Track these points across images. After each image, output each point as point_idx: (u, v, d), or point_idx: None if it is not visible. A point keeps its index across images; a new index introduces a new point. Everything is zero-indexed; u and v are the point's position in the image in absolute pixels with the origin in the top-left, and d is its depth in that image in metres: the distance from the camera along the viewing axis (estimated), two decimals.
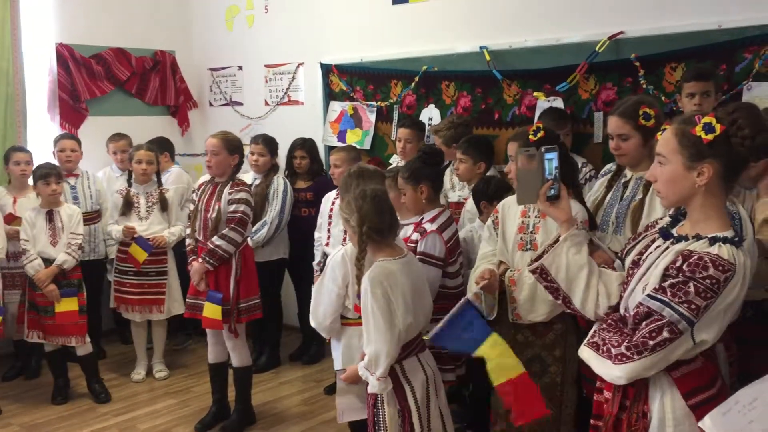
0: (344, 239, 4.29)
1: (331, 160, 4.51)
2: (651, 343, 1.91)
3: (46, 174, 4.59)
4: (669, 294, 1.92)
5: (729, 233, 1.98)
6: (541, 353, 3.09)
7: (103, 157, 5.79)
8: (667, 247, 2.05)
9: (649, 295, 1.97)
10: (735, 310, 1.99)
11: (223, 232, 4.12)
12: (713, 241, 1.95)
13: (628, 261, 2.21)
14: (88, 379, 4.84)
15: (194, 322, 5.78)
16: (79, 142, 5.33)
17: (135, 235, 4.89)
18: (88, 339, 4.71)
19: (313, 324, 3.15)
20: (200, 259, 4.14)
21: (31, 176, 4.84)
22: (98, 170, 5.69)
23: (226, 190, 4.18)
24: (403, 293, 2.74)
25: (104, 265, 5.55)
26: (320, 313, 3.08)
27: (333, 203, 4.54)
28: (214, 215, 4.14)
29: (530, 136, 2.96)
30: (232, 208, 4.14)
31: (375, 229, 2.78)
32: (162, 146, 5.65)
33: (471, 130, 4.57)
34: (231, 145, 4.21)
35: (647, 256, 2.10)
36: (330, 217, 4.56)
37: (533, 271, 2.31)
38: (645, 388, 2.03)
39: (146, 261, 4.91)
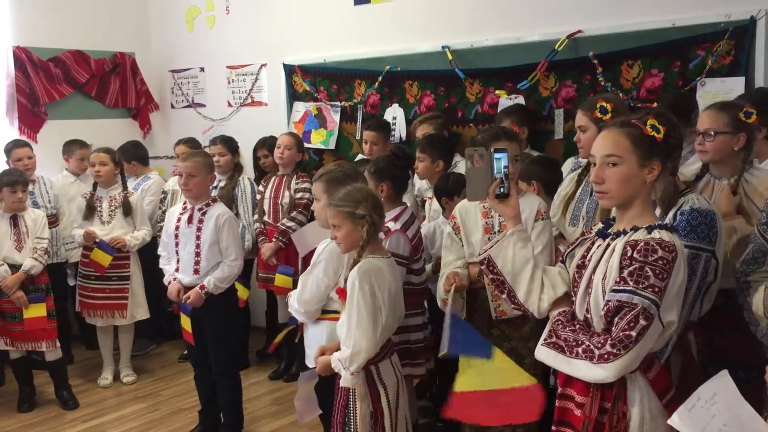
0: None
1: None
2: (633, 334, 1.97)
3: (13, 182, 4.54)
4: (632, 283, 2.00)
5: (660, 221, 2.14)
6: (517, 346, 3.13)
7: (63, 162, 5.70)
8: (608, 245, 2.15)
9: (613, 290, 2.04)
10: (706, 295, 2.08)
11: (291, 214, 4.91)
12: (650, 229, 2.08)
13: (572, 266, 2.28)
14: (57, 386, 4.78)
15: (159, 328, 5.83)
16: (31, 148, 5.28)
17: (96, 240, 4.84)
18: (58, 344, 4.66)
19: (294, 306, 3.14)
20: (274, 239, 4.91)
21: None
22: (58, 174, 5.62)
23: (294, 180, 4.96)
24: (389, 292, 2.77)
25: (65, 270, 5.49)
26: (305, 299, 3.09)
27: (179, 220, 3.98)
28: (285, 201, 4.93)
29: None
30: (298, 195, 4.92)
31: (380, 216, 2.83)
32: (126, 154, 5.56)
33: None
34: (300, 144, 5.10)
35: (591, 257, 2.19)
36: (177, 236, 3.98)
37: (481, 263, 2.37)
38: (624, 390, 2.08)
39: (109, 265, 4.86)
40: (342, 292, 2.81)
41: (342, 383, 2.82)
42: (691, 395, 1.96)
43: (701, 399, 1.91)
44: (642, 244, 2.03)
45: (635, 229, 2.10)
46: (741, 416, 1.85)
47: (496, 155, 2.34)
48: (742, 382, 2.56)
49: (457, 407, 2.57)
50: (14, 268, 4.53)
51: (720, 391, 1.90)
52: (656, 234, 2.05)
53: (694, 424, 1.88)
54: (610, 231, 2.21)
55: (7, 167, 5.03)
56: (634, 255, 2.02)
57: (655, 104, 3.91)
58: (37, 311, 4.54)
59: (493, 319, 3.14)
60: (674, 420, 1.93)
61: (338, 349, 2.84)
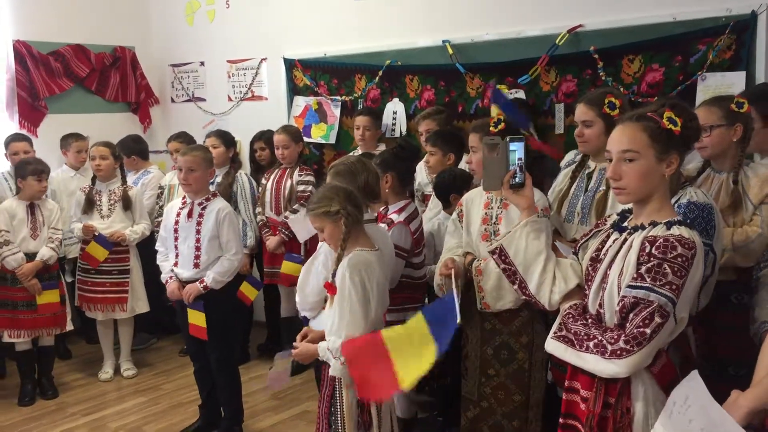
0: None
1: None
2: (648, 331, 1.95)
3: (39, 171, 4.63)
4: (649, 279, 1.98)
5: (679, 217, 2.10)
6: (508, 340, 3.12)
7: (62, 156, 5.70)
8: (625, 239, 2.12)
9: (630, 286, 2.02)
10: (703, 289, 2.08)
11: (294, 207, 4.91)
12: (669, 225, 2.05)
13: (585, 258, 2.26)
14: (41, 373, 4.83)
15: (160, 322, 5.82)
16: (30, 142, 5.29)
17: (95, 234, 4.84)
18: (70, 326, 4.81)
19: (297, 300, 3.15)
20: (278, 232, 4.94)
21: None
22: (57, 169, 5.60)
23: (296, 173, 4.99)
24: (378, 284, 2.78)
25: (63, 266, 5.48)
26: (306, 292, 3.09)
27: (178, 214, 3.97)
28: (286, 193, 4.97)
29: (491, 128, 3.01)
30: (301, 188, 4.95)
31: (356, 207, 2.82)
32: (126, 148, 5.54)
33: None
34: (297, 137, 5.06)
35: (607, 250, 2.16)
36: (176, 231, 3.96)
37: (492, 252, 2.36)
38: (627, 385, 2.06)
39: (108, 259, 4.87)
40: (330, 286, 2.81)
41: (331, 372, 2.82)
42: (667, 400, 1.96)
43: (676, 403, 1.90)
44: (661, 240, 2.00)
45: (654, 224, 2.08)
46: (712, 417, 1.83)
47: (512, 146, 2.33)
48: (732, 379, 2.57)
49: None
50: (28, 256, 4.60)
51: (691, 393, 1.89)
52: (675, 230, 2.02)
53: (676, 430, 1.87)
54: (626, 224, 2.18)
55: (6, 161, 5.06)
56: (653, 251, 2.00)
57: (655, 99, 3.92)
58: (51, 297, 4.66)
59: (482, 312, 3.14)
60: (658, 429, 1.92)
61: (323, 337, 2.85)
